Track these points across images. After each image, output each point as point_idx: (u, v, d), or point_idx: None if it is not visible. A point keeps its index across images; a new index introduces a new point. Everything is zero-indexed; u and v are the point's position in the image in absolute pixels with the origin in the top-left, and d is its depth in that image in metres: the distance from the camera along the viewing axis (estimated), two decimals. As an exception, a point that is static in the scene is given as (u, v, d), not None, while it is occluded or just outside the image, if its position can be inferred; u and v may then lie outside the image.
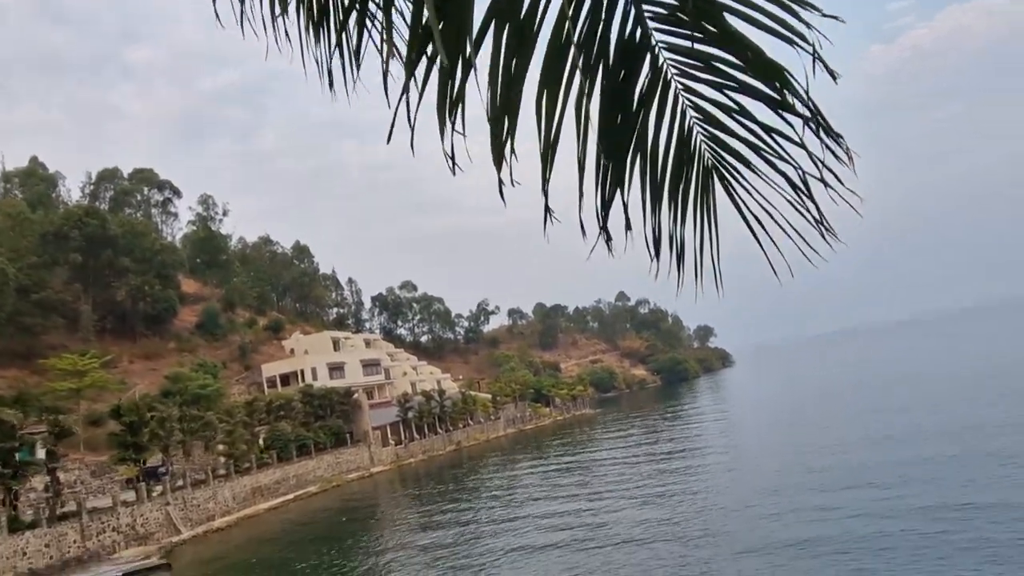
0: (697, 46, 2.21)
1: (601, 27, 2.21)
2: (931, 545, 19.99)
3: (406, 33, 2.15)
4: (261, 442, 55.09)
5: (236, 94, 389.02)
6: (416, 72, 2.06)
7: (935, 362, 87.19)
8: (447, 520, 36.37)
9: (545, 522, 31.94)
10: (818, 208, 2.28)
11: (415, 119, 2.14)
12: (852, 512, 24.64)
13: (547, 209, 2.26)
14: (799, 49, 2.07)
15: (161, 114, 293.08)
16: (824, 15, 2.05)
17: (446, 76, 2.08)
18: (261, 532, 41.21)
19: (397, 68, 2.11)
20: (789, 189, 2.31)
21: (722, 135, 2.39)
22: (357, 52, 2.41)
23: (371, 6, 2.34)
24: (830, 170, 2.20)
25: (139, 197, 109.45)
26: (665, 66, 2.31)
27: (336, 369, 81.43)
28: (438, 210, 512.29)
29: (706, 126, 2.40)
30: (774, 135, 2.30)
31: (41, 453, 41.49)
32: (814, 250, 2.34)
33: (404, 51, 2.13)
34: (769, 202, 2.37)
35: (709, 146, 2.44)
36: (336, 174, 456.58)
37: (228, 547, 37.84)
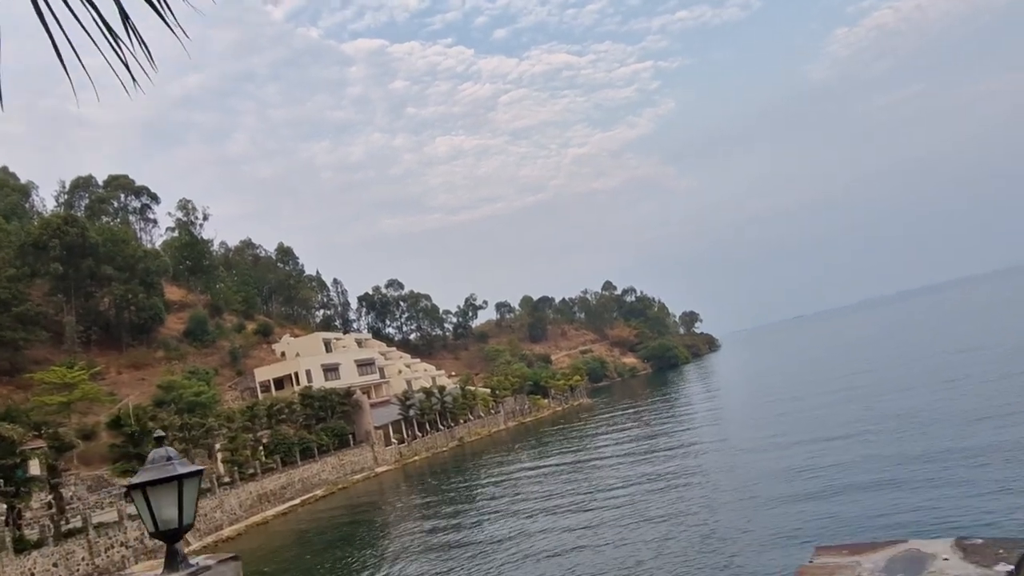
0: None
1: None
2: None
3: None
4: (262, 447, 53.63)
5: (204, 98, 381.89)
6: None
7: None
8: (456, 519, 35.35)
9: (555, 514, 31.07)
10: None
11: None
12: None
13: None
14: None
15: (127, 121, 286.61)
16: None
17: None
18: (272, 539, 39.93)
19: None
20: None
21: None
22: None
23: None
24: None
25: (116, 204, 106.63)
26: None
27: (330, 370, 79.98)
28: (411, 209, 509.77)
29: None
30: None
31: (34, 469, 39.77)
32: None
33: None
34: None
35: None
36: (308, 176, 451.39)
37: (241, 557, 36.48)
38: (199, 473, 3.99)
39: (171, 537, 3.85)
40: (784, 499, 25.06)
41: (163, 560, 3.89)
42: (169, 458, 3.91)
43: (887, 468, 26.11)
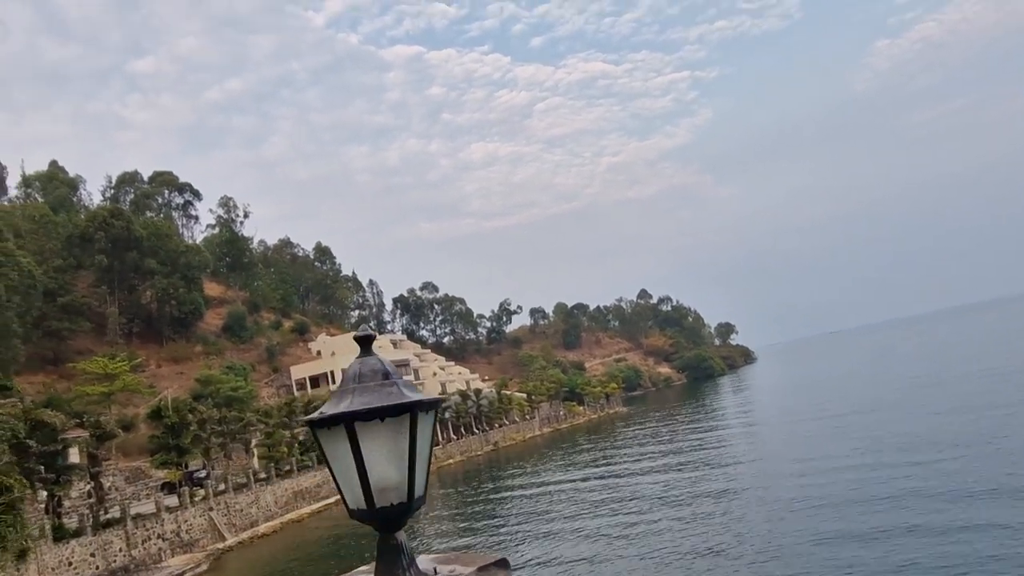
0: None
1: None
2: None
3: None
4: (298, 444, 53.09)
5: (244, 102, 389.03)
6: None
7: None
8: (490, 526, 34.28)
9: (593, 528, 29.70)
10: None
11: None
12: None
13: None
14: None
15: (169, 124, 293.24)
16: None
17: None
18: (307, 537, 39.17)
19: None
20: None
21: None
22: None
23: None
24: None
25: (160, 200, 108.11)
26: None
27: (366, 370, 79.51)
28: (447, 214, 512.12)
29: None
30: None
31: (74, 458, 39.64)
32: None
33: None
34: None
35: None
36: (346, 179, 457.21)
37: (276, 554, 35.82)
38: (437, 405, 2.18)
39: (392, 520, 2.10)
40: (839, 542, 22.06)
41: (373, 560, 2.15)
42: (387, 374, 2.10)
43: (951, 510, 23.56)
